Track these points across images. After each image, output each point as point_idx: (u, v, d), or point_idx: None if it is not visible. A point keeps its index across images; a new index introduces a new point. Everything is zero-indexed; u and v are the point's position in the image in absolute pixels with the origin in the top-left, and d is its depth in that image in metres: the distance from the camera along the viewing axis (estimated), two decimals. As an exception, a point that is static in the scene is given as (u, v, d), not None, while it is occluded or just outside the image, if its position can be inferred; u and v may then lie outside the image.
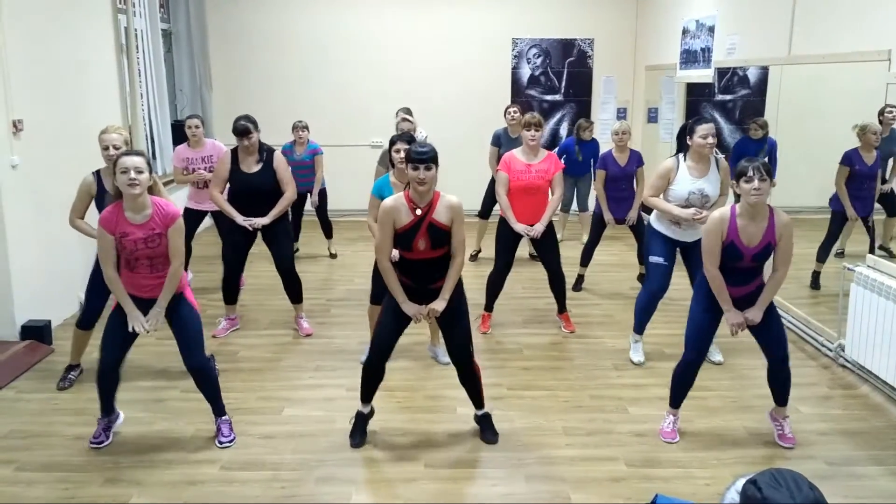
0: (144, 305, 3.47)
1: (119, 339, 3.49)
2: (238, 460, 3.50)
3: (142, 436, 3.72)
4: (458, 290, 3.53)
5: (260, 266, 6.60)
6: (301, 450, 3.61)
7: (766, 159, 3.55)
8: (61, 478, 3.34)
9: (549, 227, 5.03)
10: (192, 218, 6.01)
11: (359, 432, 3.64)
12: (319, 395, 4.23)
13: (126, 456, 3.53)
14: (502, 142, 6.59)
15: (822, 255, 5.56)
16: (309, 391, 4.29)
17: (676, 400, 3.74)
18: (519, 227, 4.91)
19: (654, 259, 4.49)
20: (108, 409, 3.62)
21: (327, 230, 7.30)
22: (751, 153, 5.80)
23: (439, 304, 3.45)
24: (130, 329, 3.43)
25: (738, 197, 3.39)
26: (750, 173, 3.25)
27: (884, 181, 5.38)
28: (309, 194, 6.95)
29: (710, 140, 4.20)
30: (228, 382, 4.33)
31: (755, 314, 3.47)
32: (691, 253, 4.40)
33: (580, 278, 6.23)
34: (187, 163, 5.86)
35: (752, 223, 3.35)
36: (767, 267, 3.50)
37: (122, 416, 3.76)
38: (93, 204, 4.09)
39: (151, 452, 3.56)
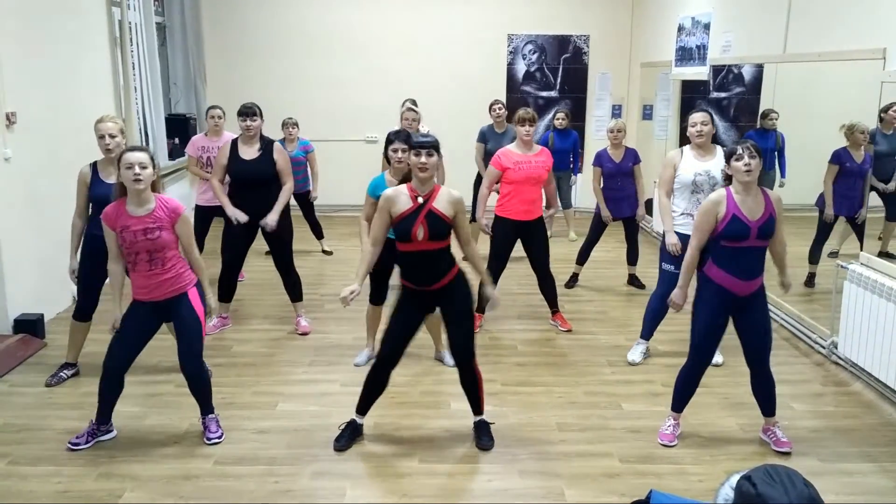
0: (145, 309, 3.46)
1: (131, 342, 3.47)
2: (232, 455, 3.50)
3: (136, 430, 3.71)
4: (466, 290, 3.52)
5: (257, 261, 6.59)
6: (295, 444, 3.61)
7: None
8: (54, 472, 3.33)
9: (541, 224, 5.03)
10: (204, 215, 5.94)
11: (346, 438, 3.60)
12: (314, 390, 4.23)
13: (120, 450, 3.52)
14: (488, 138, 6.59)
15: (814, 257, 5.52)
16: (303, 386, 4.29)
17: (680, 404, 3.70)
18: (483, 221, 5.08)
19: (666, 266, 4.48)
20: (104, 417, 3.56)
21: (317, 231, 7.16)
22: (764, 146, 5.76)
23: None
24: (110, 329, 3.46)
25: (730, 180, 3.46)
26: (740, 151, 3.33)
27: (888, 181, 5.31)
28: (310, 191, 6.86)
29: (699, 127, 4.31)
30: (222, 377, 4.33)
31: (786, 280, 3.65)
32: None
33: (574, 276, 6.23)
34: (203, 151, 5.85)
35: (748, 197, 3.39)
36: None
37: (113, 433, 3.63)
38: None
39: (145, 447, 3.56)
